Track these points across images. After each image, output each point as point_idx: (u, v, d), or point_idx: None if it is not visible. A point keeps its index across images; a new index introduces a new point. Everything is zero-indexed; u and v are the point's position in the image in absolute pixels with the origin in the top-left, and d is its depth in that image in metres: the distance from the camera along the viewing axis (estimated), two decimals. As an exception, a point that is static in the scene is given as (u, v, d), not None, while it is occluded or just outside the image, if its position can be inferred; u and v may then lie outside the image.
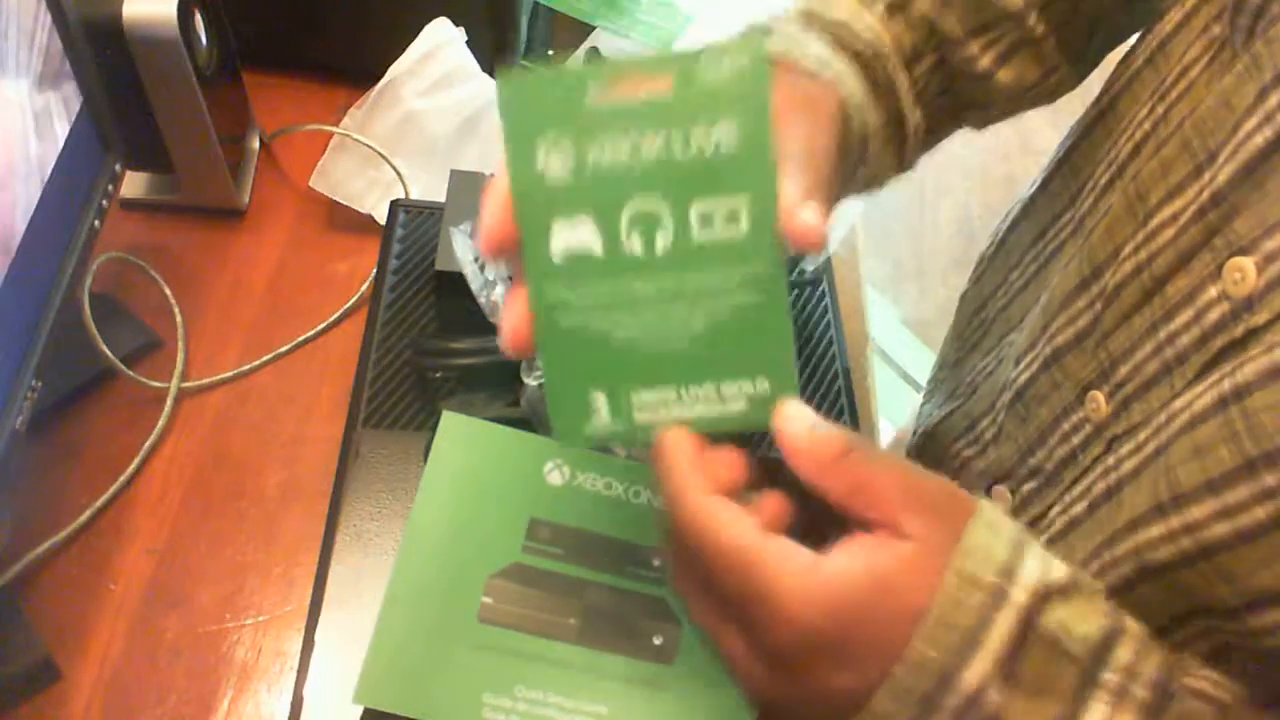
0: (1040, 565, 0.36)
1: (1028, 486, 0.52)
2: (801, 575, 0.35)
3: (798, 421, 0.37)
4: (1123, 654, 0.36)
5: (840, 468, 0.36)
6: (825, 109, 0.46)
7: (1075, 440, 0.48)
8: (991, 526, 0.36)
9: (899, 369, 1.90)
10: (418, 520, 0.52)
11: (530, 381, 0.58)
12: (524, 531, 0.53)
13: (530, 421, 0.59)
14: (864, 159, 0.51)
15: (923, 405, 0.70)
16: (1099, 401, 0.47)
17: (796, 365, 0.39)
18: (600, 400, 0.40)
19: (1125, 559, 0.41)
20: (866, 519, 0.36)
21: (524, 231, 0.38)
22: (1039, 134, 2.30)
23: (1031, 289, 0.58)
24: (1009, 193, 2.19)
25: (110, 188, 0.70)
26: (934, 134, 0.57)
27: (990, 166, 2.29)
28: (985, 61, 0.54)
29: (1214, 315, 0.40)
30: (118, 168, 0.71)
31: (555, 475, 0.54)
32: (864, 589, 0.35)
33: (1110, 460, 0.45)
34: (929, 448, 0.63)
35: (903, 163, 0.55)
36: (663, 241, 0.38)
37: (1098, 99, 0.55)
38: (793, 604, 0.35)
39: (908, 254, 2.17)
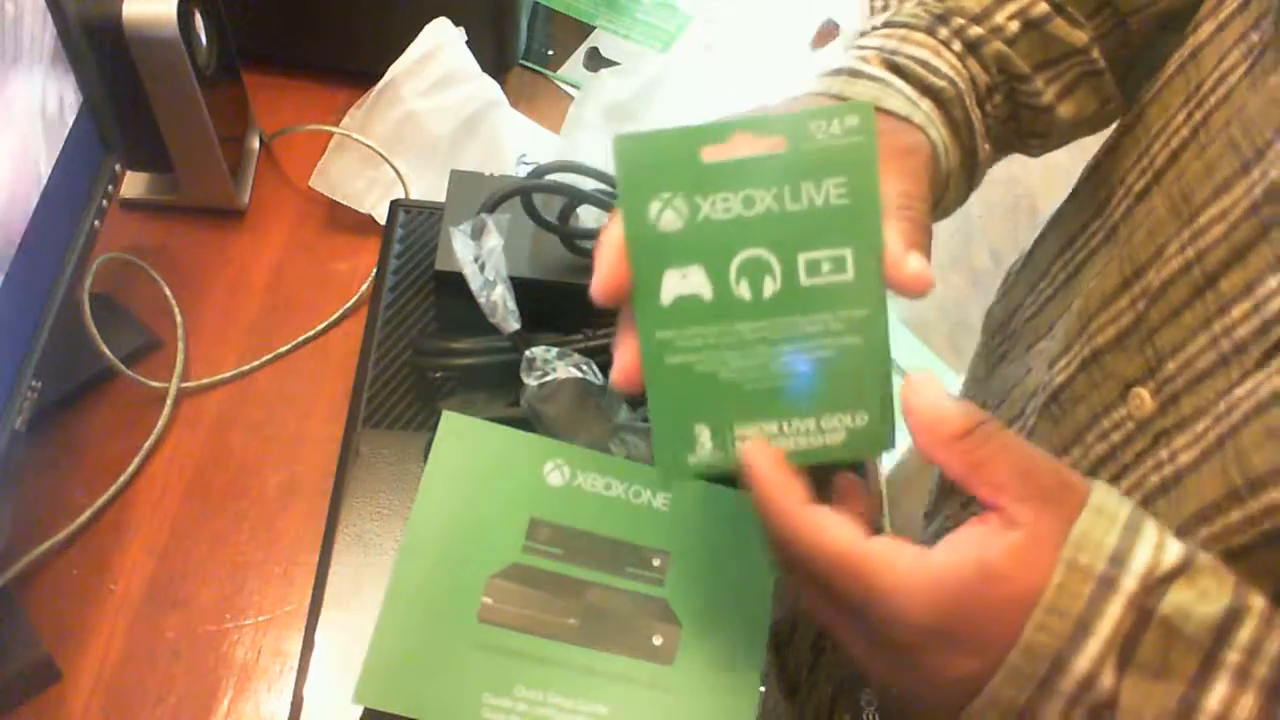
0: (1153, 551, 0.37)
1: None
2: (909, 572, 0.37)
3: (924, 395, 0.38)
4: (1245, 633, 0.36)
5: (959, 446, 0.37)
6: (920, 156, 0.48)
7: (1115, 437, 0.49)
8: (1102, 512, 0.37)
9: (899, 369, 1.90)
10: (418, 520, 0.52)
11: (530, 381, 0.58)
12: (524, 532, 0.53)
13: (530, 421, 0.59)
14: (944, 194, 0.52)
15: None
16: (1143, 398, 0.47)
17: (896, 401, 0.41)
18: (704, 433, 0.42)
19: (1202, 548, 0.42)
20: (980, 497, 0.37)
21: (637, 278, 0.41)
22: (1039, 134, 2.30)
23: (1060, 297, 0.59)
24: (1010, 193, 2.19)
25: (110, 188, 0.70)
26: (992, 161, 0.57)
27: (992, 167, 2.29)
28: (1049, 95, 0.55)
29: (1275, 304, 0.41)
30: (117, 168, 0.71)
31: (555, 475, 0.54)
32: (973, 580, 0.36)
33: (1162, 454, 0.46)
34: None
35: (970, 192, 0.56)
36: (770, 288, 0.41)
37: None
38: (904, 600, 0.37)
39: (907, 254, 2.16)
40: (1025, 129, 0.57)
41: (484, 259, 0.60)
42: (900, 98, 0.49)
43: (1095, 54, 0.55)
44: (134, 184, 0.80)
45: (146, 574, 0.64)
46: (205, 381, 0.72)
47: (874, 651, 0.39)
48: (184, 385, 0.72)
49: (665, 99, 0.84)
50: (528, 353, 0.59)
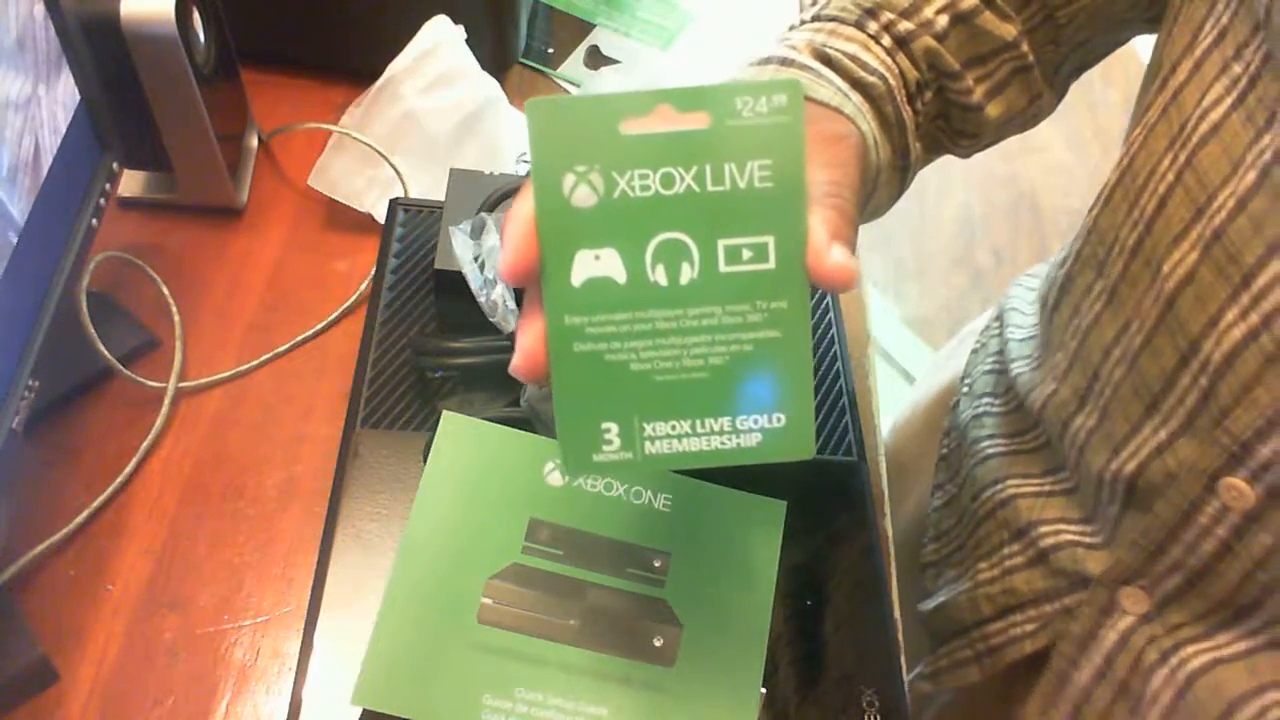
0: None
1: (1171, 583, 0.51)
2: None
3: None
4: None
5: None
6: (850, 146, 0.46)
7: (1221, 532, 0.47)
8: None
9: (900, 368, 1.90)
10: (417, 521, 0.52)
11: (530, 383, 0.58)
12: (524, 532, 0.53)
13: (530, 421, 0.58)
14: (873, 192, 0.51)
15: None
16: (1240, 489, 0.45)
17: (814, 401, 0.39)
18: (612, 430, 0.40)
19: None
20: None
21: (546, 258, 0.38)
22: (1039, 133, 2.30)
23: (1077, 368, 0.57)
24: (1011, 192, 2.19)
25: (108, 186, 0.69)
26: (923, 162, 0.57)
27: (992, 166, 2.29)
28: (979, 94, 0.54)
29: None
30: (115, 166, 0.71)
31: (555, 476, 0.54)
32: None
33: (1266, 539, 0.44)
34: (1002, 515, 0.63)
35: (900, 193, 0.55)
36: (688, 274, 0.38)
37: (1118, 163, 0.55)
38: None
39: (909, 253, 2.17)
40: (954, 128, 0.56)
41: (483, 258, 0.59)
42: (830, 88, 0.48)
43: (1025, 48, 0.54)
44: (132, 182, 0.80)
45: (144, 575, 0.64)
46: (203, 381, 0.72)
47: None
48: (182, 385, 0.71)
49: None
50: (527, 352, 0.58)
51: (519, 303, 0.59)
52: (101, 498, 0.66)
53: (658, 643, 0.51)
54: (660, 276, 0.38)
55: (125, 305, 0.74)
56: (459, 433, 0.54)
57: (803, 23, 0.54)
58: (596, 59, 0.95)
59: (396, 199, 0.75)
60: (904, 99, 0.52)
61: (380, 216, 0.78)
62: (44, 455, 0.67)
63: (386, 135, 0.80)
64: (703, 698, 0.51)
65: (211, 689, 0.60)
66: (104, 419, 0.70)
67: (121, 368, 0.69)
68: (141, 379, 0.70)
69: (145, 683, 0.60)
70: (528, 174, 0.39)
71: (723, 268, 0.38)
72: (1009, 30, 0.54)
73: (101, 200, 0.68)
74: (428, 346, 0.63)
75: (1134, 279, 0.51)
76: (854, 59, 0.50)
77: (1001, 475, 0.64)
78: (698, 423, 0.39)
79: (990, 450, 0.66)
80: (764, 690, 0.51)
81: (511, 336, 0.59)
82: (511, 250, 0.38)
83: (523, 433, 0.55)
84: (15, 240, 0.58)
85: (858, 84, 0.50)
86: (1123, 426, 0.52)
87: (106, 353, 0.68)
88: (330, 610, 0.57)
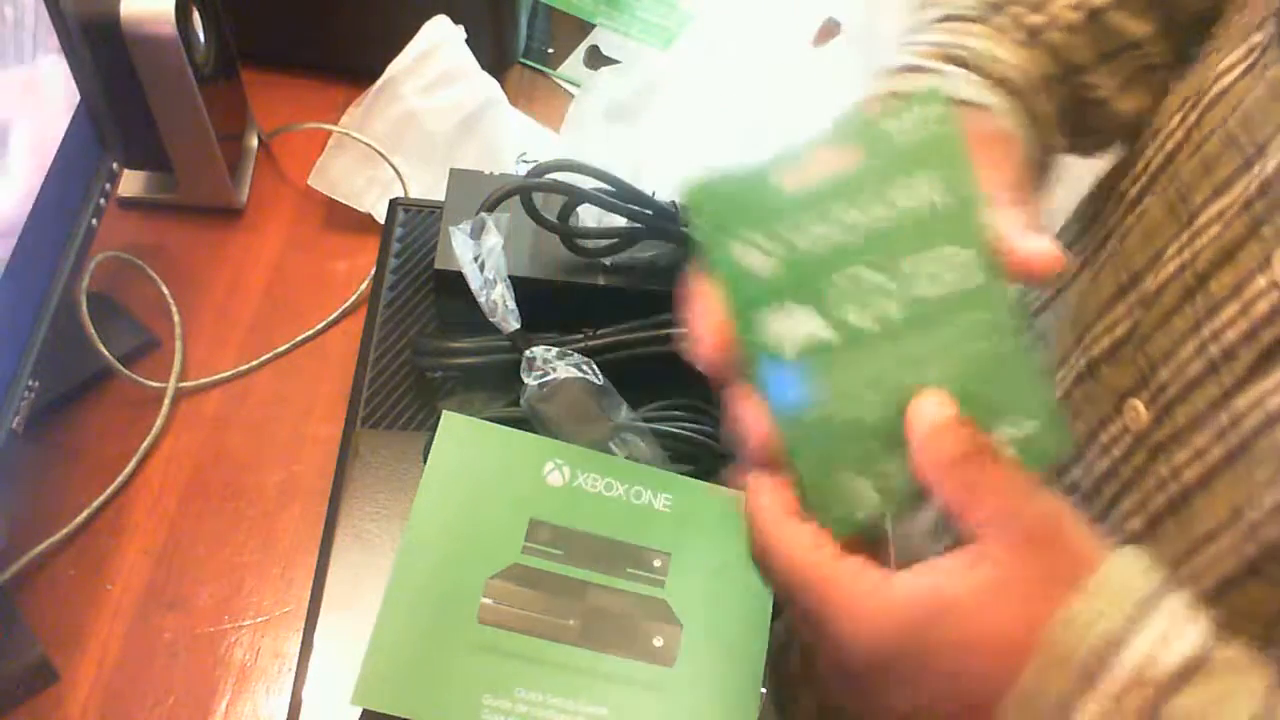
0: (1150, 645, 0.32)
1: None
2: (865, 595, 0.35)
3: (924, 411, 0.36)
4: None
5: (954, 471, 0.35)
6: (1011, 142, 0.45)
7: (1115, 452, 0.47)
8: (1104, 587, 0.33)
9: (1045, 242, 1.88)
10: (417, 521, 0.52)
11: (530, 381, 0.58)
12: (524, 532, 0.53)
13: (530, 421, 0.58)
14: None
15: None
16: (1138, 409, 0.45)
17: (1055, 396, 0.39)
18: (864, 485, 0.38)
19: (1208, 571, 0.40)
20: (962, 529, 0.35)
21: (743, 336, 0.37)
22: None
23: (1052, 309, 0.57)
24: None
25: (107, 186, 0.69)
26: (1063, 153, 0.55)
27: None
28: (1109, 88, 0.53)
29: (1263, 306, 0.39)
30: (115, 166, 0.71)
31: (555, 476, 0.54)
32: (925, 611, 0.34)
33: (1164, 471, 0.44)
34: None
35: (1044, 186, 0.53)
36: (889, 309, 0.37)
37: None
38: (854, 624, 0.35)
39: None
40: (1082, 124, 0.54)
41: (484, 258, 0.59)
42: (972, 86, 0.47)
43: (1153, 48, 0.53)
44: (132, 182, 0.80)
45: (144, 575, 0.64)
46: (203, 381, 0.72)
47: (830, 671, 0.38)
48: (182, 385, 0.71)
49: (666, 97, 0.84)
50: (528, 353, 0.58)
51: (519, 306, 0.59)
52: (101, 498, 0.66)
53: (658, 643, 0.51)
54: (864, 320, 0.37)
55: (125, 305, 0.74)
56: (459, 433, 0.54)
57: (924, 24, 0.51)
58: (596, 59, 0.95)
59: (396, 199, 0.75)
60: (1042, 88, 0.50)
61: (380, 216, 0.78)
62: (44, 455, 0.67)
63: (386, 135, 0.80)
64: (703, 698, 0.51)
65: (211, 689, 0.60)
66: (104, 419, 0.70)
67: (121, 368, 0.69)
68: (141, 379, 0.70)
69: (145, 683, 0.60)
70: (695, 257, 0.38)
71: (921, 293, 0.37)
72: (1139, 29, 0.52)
73: (101, 200, 0.68)
74: (428, 346, 0.63)
75: (1129, 228, 0.51)
76: (987, 54, 0.48)
77: None
78: None
79: None
80: (764, 690, 0.51)
81: (511, 337, 0.59)
82: (704, 339, 0.37)
83: (523, 433, 0.55)
84: (15, 240, 0.58)
85: (998, 80, 0.48)
86: (1058, 354, 0.52)
87: (106, 352, 0.68)
88: (330, 610, 0.57)
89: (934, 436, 0.35)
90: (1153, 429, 0.45)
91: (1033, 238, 0.37)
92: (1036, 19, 0.50)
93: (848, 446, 0.38)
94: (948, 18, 0.51)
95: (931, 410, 0.36)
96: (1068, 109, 0.53)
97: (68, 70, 0.64)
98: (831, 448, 0.38)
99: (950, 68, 0.48)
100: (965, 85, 0.47)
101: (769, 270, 0.37)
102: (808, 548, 0.36)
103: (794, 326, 0.37)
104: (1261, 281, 0.39)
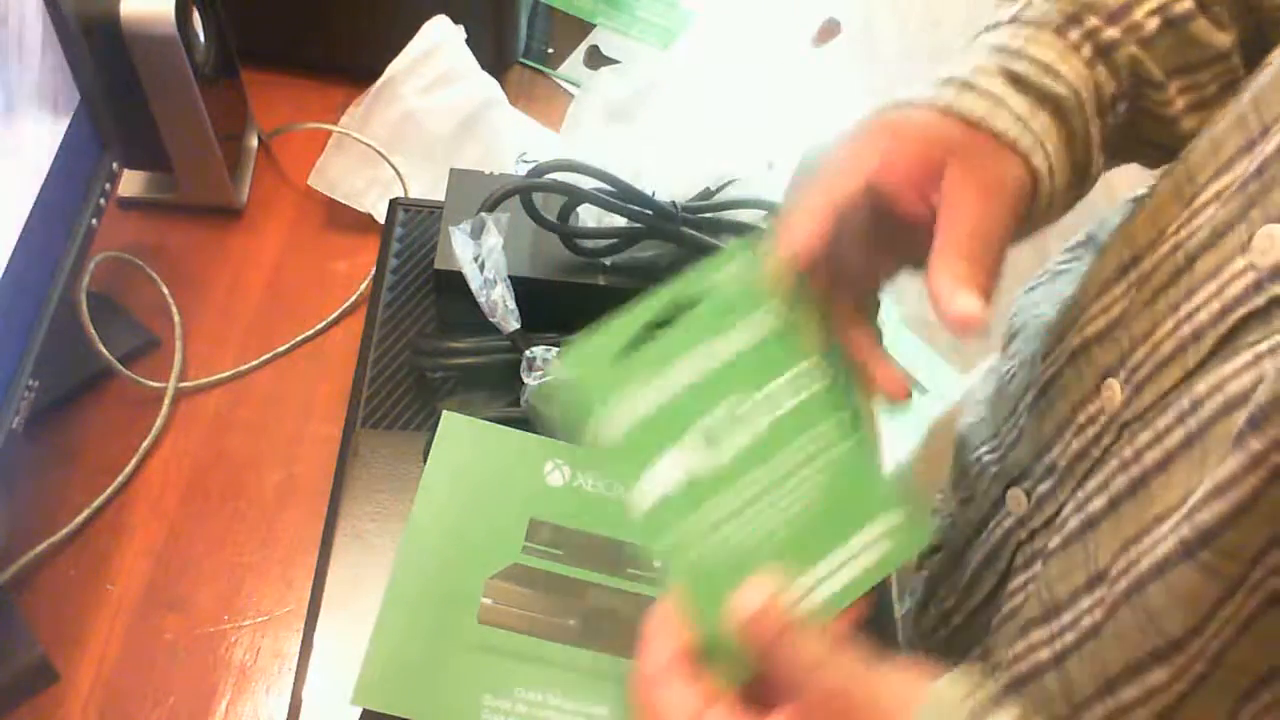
0: None
1: (1042, 486, 0.50)
2: None
3: (746, 605, 0.38)
4: None
5: (770, 653, 0.38)
6: (1014, 191, 0.44)
7: (1090, 432, 0.47)
8: None
9: (917, 384, 1.89)
10: (417, 521, 0.52)
11: (530, 381, 0.58)
12: (524, 532, 0.53)
13: (530, 421, 0.58)
14: (1035, 220, 0.48)
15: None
16: (1114, 389, 0.45)
17: (910, 489, 0.41)
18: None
19: (1147, 555, 0.40)
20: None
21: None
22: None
23: (1046, 286, 0.57)
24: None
25: (108, 186, 0.69)
26: (1103, 172, 0.53)
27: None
28: (1179, 105, 0.50)
29: (1237, 287, 0.39)
30: (115, 166, 0.70)
31: (555, 476, 0.54)
32: None
33: (1127, 452, 0.43)
34: (959, 455, 0.63)
35: (1076, 203, 0.51)
36: (745, 437, 0.40)
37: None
38: None
39: (908, 253, 2.16)
40: (1144, 137, 0.52)
41: (484, 258, 0.59)
42: (1010, 117, 0.45)
43: (1236, 60, 0.50)
44: (132, 182, 0.80)
45: (144, 575, 0.64)
46: (203, 381, 0.72)
47: None
48: (182, 385, 0.71)
49: (666, 97, 0.84)
50: (528, 353, 0.58)
51: (519, 306, 0.59)
52: (101, 497, 0.66)
53: (658, 643, 0.51)
54: (724, 454, 0.40)
55: (125, 305, 0.74)
56: (459, 433, 0.54)
57: (1000, 23, 0.50)
58: (596, 59, 0.95)
59: (396, 199, 0.75)
60: (1094, 112, 0.48)
61: (380, 216, 0.78)
62: (44, 455, 0.67)
63: (386, 135, 0.80)
64: (703, 698, 0.51)
65: (211, 689, 0.60)
66: (104, 419, 0.70)
67: (121, 368, 0.69)
68: (141, 379, 0.70)
69: (145, 682, 0.60)
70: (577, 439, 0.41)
71: (777, 413, 0.40)
72: (1223, 40, 0.49)
73: (101, 200, 0.68)
74: (428, 346, 0.63)
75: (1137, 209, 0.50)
76: (1048, 69, 0.46)
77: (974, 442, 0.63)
78: (823, 561, 0.40)
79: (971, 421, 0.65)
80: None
81: (511, 337, 0.60)
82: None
83: (523, 433, 0.55)
84: (15, 240, 0.58)
85: (1047, 98, 0.46)
86: (1055, 335, 0.52)
87: (106, 352, 0.68)
88: (330, 610, 0.57)
89: (753, 622, 0.38)
90: (1123, 410, 0.44)
91: (961, 296, 0.39)
92: (1112, 34, 0.48)
93: (736, 577, 0.39)
94: (1024, 21, 0.48)
95: (751, 598, 0.38)
96: (1128, 121, 0.51)
97: (68, 70, 0.64)
98: (720, 580, 0.39)
99: (1001, 89, 0.46)
100: (1006, 114, 0.45)
101: (620, 434, 0.40)
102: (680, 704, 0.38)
103: (661, 476, 0.40)
104: (1240, 263, 0.39)
